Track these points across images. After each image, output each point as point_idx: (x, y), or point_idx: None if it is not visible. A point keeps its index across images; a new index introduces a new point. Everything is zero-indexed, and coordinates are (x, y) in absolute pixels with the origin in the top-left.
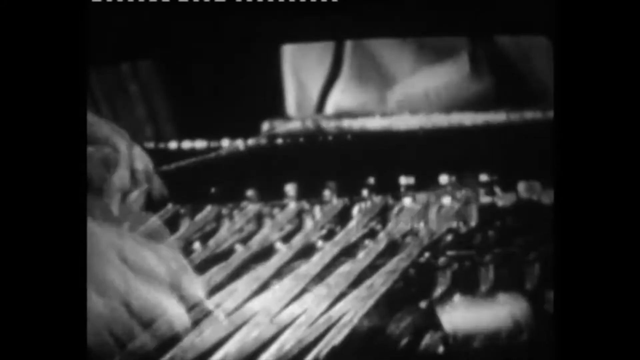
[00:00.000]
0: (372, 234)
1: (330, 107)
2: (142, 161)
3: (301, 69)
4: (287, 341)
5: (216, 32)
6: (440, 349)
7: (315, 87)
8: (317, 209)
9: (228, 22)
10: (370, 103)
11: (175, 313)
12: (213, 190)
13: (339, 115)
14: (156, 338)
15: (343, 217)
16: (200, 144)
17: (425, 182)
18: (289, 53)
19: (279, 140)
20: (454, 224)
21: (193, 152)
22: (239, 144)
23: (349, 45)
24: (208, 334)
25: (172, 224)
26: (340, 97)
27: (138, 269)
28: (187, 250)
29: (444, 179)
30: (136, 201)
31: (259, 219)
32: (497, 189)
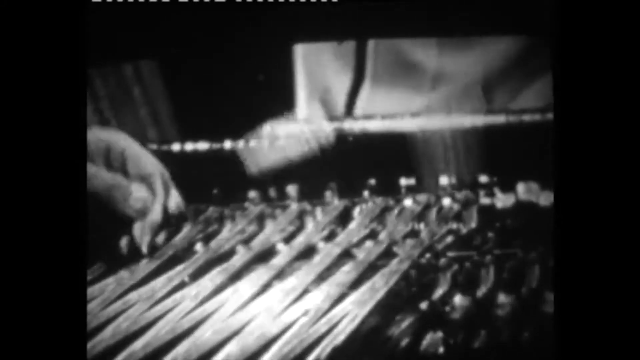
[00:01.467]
0: (373, 235)
1: (359, 110)
2: (175, 202)
3: (317, 70)
4: (289, 342)
5: (218, 31)
6: (441, 349)
7: (336, 90)
8: (318, 210)
9: (231, 22)
10: (403, 102)
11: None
12: (215, 191)
13: (341, 117)
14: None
15: (344, 218)
16: (202, 145)
17: (426, 184)
18: (302, 54)
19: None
20: (454, 225)
21: (196, 154)
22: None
23: (370, 46)
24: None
25: (175, 225)
26: (367, 101)
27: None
28: (189, 251)
29: (444, 180)
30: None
31: (260, 220)
32: (496, 190)
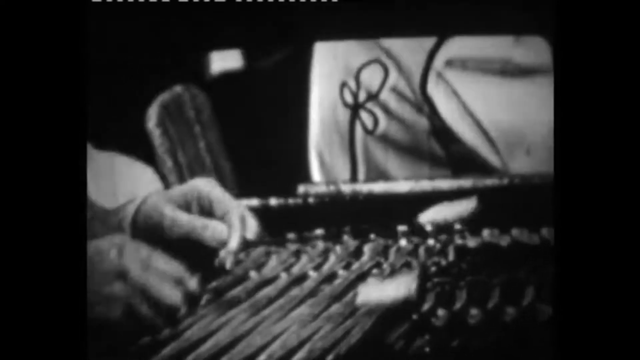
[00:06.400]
0: (378, 265)
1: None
2: (252, 231)
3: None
4: (315, 344)
5: (218, 32)
6: (427, 349)
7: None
8: (338, 247)
9: (231, 22)
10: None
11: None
12: (264, 235)
13: (354, 181)
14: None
15: (357, 253)
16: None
17: (416, 229)
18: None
19: (311, 199)
20: (435, 259)
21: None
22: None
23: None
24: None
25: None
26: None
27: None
28: (245, 277)
29: (429, 227)
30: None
31: (297, 254)
32: (466, 234)
